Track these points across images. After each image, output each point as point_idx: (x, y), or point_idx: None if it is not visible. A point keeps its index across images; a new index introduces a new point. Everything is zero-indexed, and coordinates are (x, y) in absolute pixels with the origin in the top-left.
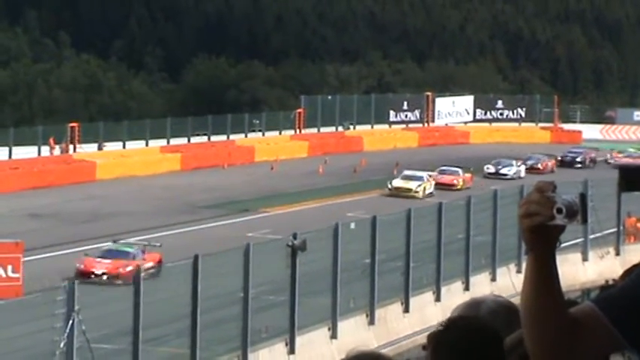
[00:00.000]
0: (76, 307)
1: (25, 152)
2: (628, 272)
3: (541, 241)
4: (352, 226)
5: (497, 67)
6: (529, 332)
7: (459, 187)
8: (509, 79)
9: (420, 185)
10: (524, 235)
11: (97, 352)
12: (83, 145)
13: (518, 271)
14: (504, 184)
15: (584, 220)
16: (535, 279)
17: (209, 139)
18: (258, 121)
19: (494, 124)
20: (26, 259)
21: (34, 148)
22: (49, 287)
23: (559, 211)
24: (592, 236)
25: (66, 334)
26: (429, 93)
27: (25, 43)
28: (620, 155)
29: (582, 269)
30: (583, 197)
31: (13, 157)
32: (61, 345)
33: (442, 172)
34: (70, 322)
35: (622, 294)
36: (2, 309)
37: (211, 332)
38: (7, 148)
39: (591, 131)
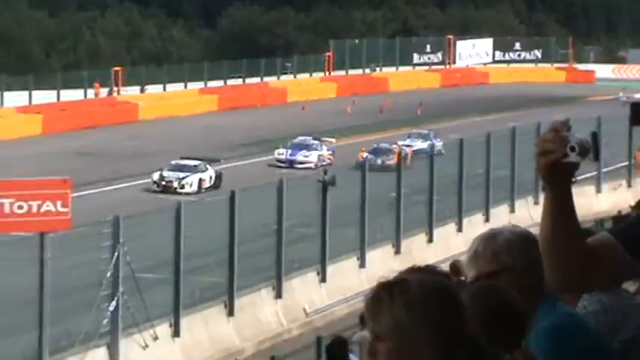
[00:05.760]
0: (121, 240)
1: (72, 95)
2: None
3: (557, 178)
4: (379, 162)
5: (515, 11)
6: (548, 262)
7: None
8: (525, 23)
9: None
10: (540, 172)
11: (141, 282)
12: (127, 88)
13: (536, 203)
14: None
15: (596, 158)
16: (552, 213)
17: (244, 81)
18: (290, 64)
19: (512, 65)
20: (74, 194)
21: (81, 91)
22: (96, 221)
23: (572, 149)
24: (605, 170)
25: (112, 265)
26: (450, 36)
27: None
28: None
29: (596, 200)
30: (595, 136)
31: (61, 99)
32: (108, 275)
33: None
34: (116, 253)
35: (637, 225)
36: (53, 242)
37: (248, 262)
38: (55, 92)
39: (604, 71)
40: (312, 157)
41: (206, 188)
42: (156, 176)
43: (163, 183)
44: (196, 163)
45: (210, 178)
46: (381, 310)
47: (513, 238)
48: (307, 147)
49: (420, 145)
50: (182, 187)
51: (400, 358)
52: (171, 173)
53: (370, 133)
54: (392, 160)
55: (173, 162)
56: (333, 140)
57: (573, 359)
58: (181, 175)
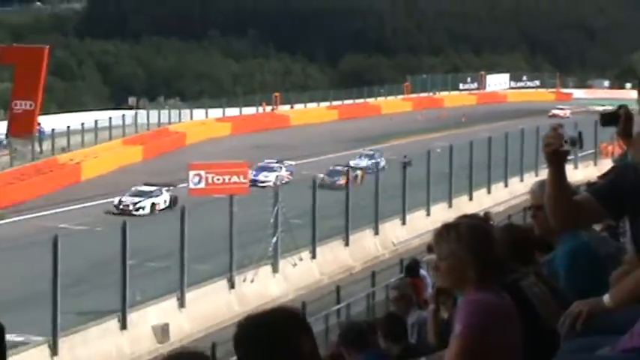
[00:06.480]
0: (280, 199)
1: (249, 110)
2: (604, 175)
3: (555, 159)
4: (439, 150)
5: (523, 57)
6: (551, 211)
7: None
8: (529, 64)
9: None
10: (545, 156)
11: (292, 225)
12: (282, 106)
13: (536, 175)
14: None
15: (581, 147)
16: (553, 181)
17: (354, 101)
18: (382, 91)
19: (521, 90)
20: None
21: (254, 108)
22: (261, 188)
23: (566, 142)
24: (580, 154)
25: (273, 215)
26: (482, 72)
27: (248, 48)
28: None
29: (574, 174)
30: (580, 133)
31: (243, 113)
32: (271, 221)
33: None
34: (276, 208)
35: (605, 186)
36: (237, 201)
37: (357, 213)
38: (239, 109)
39: (579, 93)
40: (271, 177)
41: (160, 210)
42: (116, 201)
43: (121, 207)
44: (152, 189)
45: (165, 201)
46: (442, 241)
47: None
48: (269, 169)
49: (366, 162)
50: (137, 209)
51: (454, 272)
52: (129, 198)
53: (432, 132)
54: (341, 181)
55: (133, 188)
56: (292, 163)
57: (586, 269)
58: (136, 200)
